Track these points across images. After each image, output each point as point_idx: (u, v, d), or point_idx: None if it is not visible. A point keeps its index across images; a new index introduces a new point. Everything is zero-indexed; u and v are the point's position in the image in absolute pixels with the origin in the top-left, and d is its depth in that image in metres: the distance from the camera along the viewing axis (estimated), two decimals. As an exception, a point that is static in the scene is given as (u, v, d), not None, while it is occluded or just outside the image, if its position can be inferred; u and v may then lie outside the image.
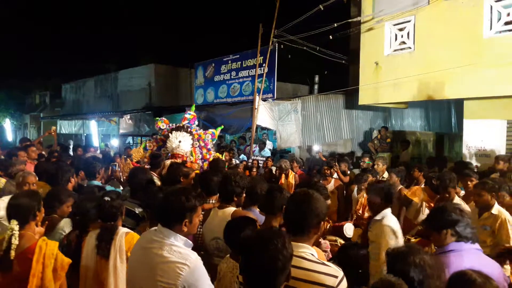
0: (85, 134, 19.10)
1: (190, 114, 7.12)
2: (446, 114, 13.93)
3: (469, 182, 4.91)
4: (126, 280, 2.41)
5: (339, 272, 1.83)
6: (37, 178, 4.34)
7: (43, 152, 8.76)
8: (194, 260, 2.13)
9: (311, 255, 1.88)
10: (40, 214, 2.90)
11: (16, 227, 2.66)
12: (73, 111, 23.50)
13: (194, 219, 2.25)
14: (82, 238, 3.07)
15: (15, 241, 2.62)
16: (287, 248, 1.61)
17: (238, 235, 2.53)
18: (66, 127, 19.91)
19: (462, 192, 5.26)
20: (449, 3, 8.03)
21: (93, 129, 18.00)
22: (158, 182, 5.22)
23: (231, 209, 3.31)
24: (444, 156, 10.08)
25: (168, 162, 5.62)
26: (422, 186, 5.81)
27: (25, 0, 41.47)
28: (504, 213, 3.85)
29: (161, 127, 6.89)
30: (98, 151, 11.83)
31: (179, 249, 2.15)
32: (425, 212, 5.14)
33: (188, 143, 6.51)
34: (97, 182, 4.92)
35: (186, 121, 6.94)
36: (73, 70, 26.34)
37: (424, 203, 5.27)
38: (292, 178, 7.25)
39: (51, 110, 26.39)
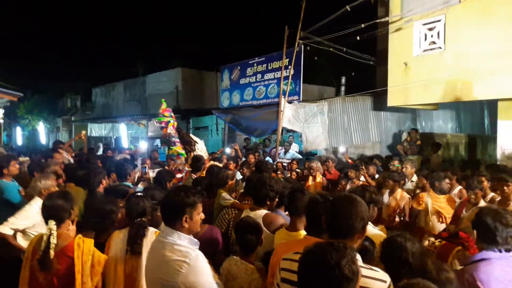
0: (114, 137, 19.54)
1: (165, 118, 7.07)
2: (479, 115, 13.47)
3: (505, 187, 4.71)
4: (146, 281, 2.46)
5: (387, 277, 1.79)
6: (55, 181, 4.43)
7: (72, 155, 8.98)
8: (194, 257, 2.15)
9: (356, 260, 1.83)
10: (74, 212, 3.01)
11: (54, 227, 2.74)
12: (103, 114, 24.07)
13: (194, 215, 2.28)
14: (99, 241, 3.11)
15: (53, 241, 2.69)
16: (355, 272, 1.49)
17: (246, 236, 2.68)
18: (96, 130, 20.42)
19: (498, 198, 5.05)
20: (481, 0, 7.77)
21: (123, 132, 18.39)
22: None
23: (262, 211, 3.33)
24: (477, 159, 9.75)
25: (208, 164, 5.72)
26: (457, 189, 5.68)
27: (58, 8, 42.94)
28: None
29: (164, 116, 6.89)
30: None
31: (180, 247, 2.18)
32: (433, 219, 4.98)
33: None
34: (128, 184, 5.01)
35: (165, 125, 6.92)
36: (103, 75, 27.03)
37: (430, 210, 5.09)
38: (320, 180, 7.17)
39: (82, 114, 27.14)
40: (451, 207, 5.00)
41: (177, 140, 6.74)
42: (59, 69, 34.44)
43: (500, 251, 2.35)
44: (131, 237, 2.99)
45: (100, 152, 11.79)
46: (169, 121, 6.86)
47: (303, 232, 2.82)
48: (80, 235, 2.87)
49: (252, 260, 2.75)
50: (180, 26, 37.88)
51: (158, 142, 17.63)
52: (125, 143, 17.80)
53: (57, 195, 3.03)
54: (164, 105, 7.14)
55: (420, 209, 5.27)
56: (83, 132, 10.37)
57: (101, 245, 2.99)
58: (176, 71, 19.16)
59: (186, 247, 2.20)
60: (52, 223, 2.75)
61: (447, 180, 5.07)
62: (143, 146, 14.53)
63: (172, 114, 7.14)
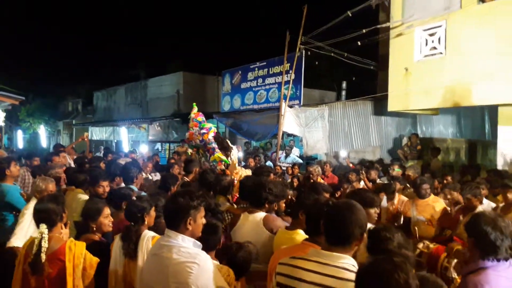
0: (115, 141, 19.56)
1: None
2: (479, 121, 13.47)
3: (509, 194, 4.70)
4: (143, 285, 2.44)
5: None
6: (54, 184, 4.44)
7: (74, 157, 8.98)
8: (204, 258, 2.17)
9: (352, 266, 1.84)
10: (65, 215, 3.02)
11: (46, 231, 2.76)
12: (104, 118, 24.12)
13: (197, 218, 2.30)
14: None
15: (45, 244, 2.70)
16: (411, 285, 1.45)
17: (210, 237, 2.75)
18: (97, 133, 20.46)
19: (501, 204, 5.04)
20: (482, 6, 7.82)
21: (123, 135, 18.42)
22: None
23: (261, 214, 3.35)
24: (477, 164, 9.75)
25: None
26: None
27: (60, 11, 43.12)
28: None
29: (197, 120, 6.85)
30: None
31: (187, 249, 2.19)
32: (419, 224, 4.98)
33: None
34: (134, 187, 4.95)
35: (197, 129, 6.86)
36: (104, 78, 27.13)
37: (414, 216, 5.10)
38: (321, 184, 7.17)
39: (83, 117, 27.20)
40: (437, 208, 4.98)
41: (216, 146, 6.63)
42: (61, 72, 34.58)
43: (498, 260, 2.30)
44: (123, 241, 3.01)
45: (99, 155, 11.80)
46: (211, 127, 6.75)
47: (300, 232, 2.84)
48: (71, 239, 2.87)
49: (213, 256, 2.79)
50: (181, 30, 38.06)
51: (158, 145, 17.67)
52: (126, 147, 17.83)
53: (48, 199, 3.03)
54: (195, 109, 7.07)
55: (407, 216, 5.26)
56: (86, 134, 10.40)
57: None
58: (178, 75, 19.23)
59: (193, 249, 2.22)
60: (43, 227, 2.76)
61: (424, 186, 5.07)
62: (143, 149, 14.54)
63: (205, 119, 7.02)
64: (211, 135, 6.71)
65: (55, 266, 2.72)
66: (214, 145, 6.64)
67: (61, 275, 2.70)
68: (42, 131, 24.20)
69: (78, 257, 2.75)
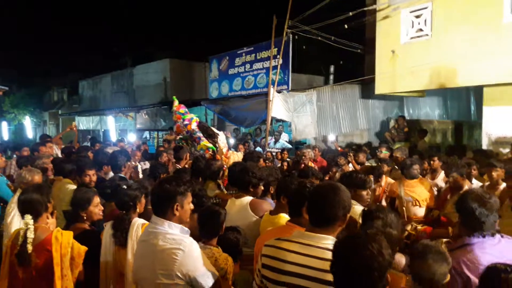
0: (102, 130, 19.37)
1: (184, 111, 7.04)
2: (465, 102, 13.65)
3: (493, 173, 4.79)
4: (132, 273, 2.45)
5: None
6: (41, 176, 4.40)
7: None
8: (189, 244, 2.17)
9: None
10: (51, 205, 2.99)
11: (31, 221, 2.74)
12: (91, 107, 23.83)
13: (184, 204, 2.29)
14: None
15: (30, 235, 2.69)
16: (384, 255, 1.48)
17: (208, 222, 2.78)
18: (84, 123, 20.22)
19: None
20: (467, -13, 7.84)
21: (111, 124, 18.23)
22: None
23: (248, 198, 3.38)
24: (463, 145, 9.91)
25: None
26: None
27: (41, -1, 42.09)
28: None
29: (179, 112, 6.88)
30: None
31: (173, 236, 2.19)
32: (407, 205, 5.05)
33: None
34: (122, 176, 4.95)
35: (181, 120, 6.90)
36: (90, 67, 26.68)
37: (403, 196, 5.16)
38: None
39: (69, 107, 26.83)
40: (425, 189, 5.03)
41: (201, 135, 6.70)
42: (45, 62, 33.86)
43: (484, 236, 2.33)
44: (114, 230, 3.01)
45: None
46: (192, 118, 6.82)
47: (283, 215, 2.87)
48: (58, 228, 2.86)
49: (214, 244, 2.81)
50: (167, 16, 37.44)
51: (146, 134, 17.54)
52: (113, 136, 17.68)
53: (32, 189, 3.00)
54: (176, 102, 7.09)
55: (394, 196, 5.33)
56: (74, 123, 10.26)
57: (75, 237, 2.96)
58: (164, 62, 19.00)
59: (178, 235, 2.22)
60: (28, 218, 2.74)
61: (414, 166, 5.10)
62: (131, 138, 14.43)
63: (187, 110, 7.09)
64: (194, 125, 6.78)
65: (42, 257, 2.71)
66: (199, 134, 6.71)
67: (48, 265, 2.69)
68: (28, 122, 23.83)
69: (65, 246, 2.74)
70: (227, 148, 7.06)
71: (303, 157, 7.21)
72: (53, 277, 2.67)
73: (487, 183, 5.03)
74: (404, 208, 5.01)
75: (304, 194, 2.29)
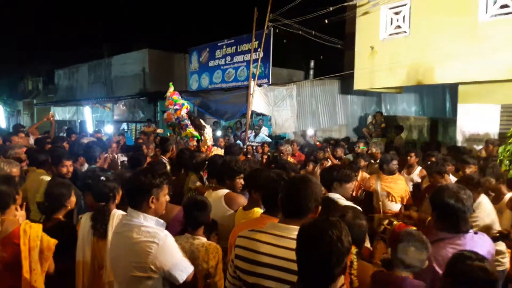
0: (79, 121, 18.99)
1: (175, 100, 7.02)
2: (441, 99, 13.96)
3: (467, 169, 4.89)
4: (110, 264, 2.43)
5: None
6: (19, 168, 4.29)
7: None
8: (163, 237, 2.17)
9: None
10: (19, 197, 2.92)
11: None
12: (67, 97, 23.29)
13: (160, 196, 2.28)
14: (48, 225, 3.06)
15: None
16: (343, 241, 1.54)
17: (193, 212, 2.76)
18: (60, 113, 19.77)
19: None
20: (445, -14, 7.98)
21: (87, 115, 17.90)
22: (168, 167, 5.34)
23: (224, 191, 3.37)
24: (438, 141, 10.14)
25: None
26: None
27: (15, -16, 40.67)
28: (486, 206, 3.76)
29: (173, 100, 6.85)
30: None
31: (147, 228, 2.18)
32: (383, 199, 5.13)
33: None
34: (102, 168, 4.87)
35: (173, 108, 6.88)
36: (66, 56, 26.02)
37: (380, 191, 5.25)
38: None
39: (44, 97, 26.16)
40: (401, 185, 5.12)
41: (189, 123, 6.68)
42: (19, 50, 32.86)
43: (457, 232, 2.35)
44: (93, 221, 2.97)
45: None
46: (183, 104, 6.78)
47: (257, 209, 2.88)
48: (27, 221, 2.78)
49: (201, 233, 2.81)
50: (147, 5, 36.82)
51: (124, 125, 17.29)
52: (90, 127, 17.35)
53: (0, 181, 2.90)
54: (172, 88, 7.03)
55: (371, 191, 5.41)
56: (51, 113, 10.01)
57: (50, 229, 2.91)
58: (143, 52, 18.68)
59: (153, 228, 2.20)
60: None
61: (394, 162, 5.18)
62: (108, 130, 14.19)
63: (180, 97, 7.05)
64: (183, 111, 6.78)
65: (9, 250, 2.63)
66: (187, 121, 6.72)
67: (16, 259, 2.62)
68: (0, 111, 23.15)
69: (34, 239, 2.67)
70: (212, 143, 7.07)
71: (281, 153, 7.25)
72: (21, 271, 2.60)
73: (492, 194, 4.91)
74: (380, 203, 5.09)
75: (276, 186, 2.30)
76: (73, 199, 3.27)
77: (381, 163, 5.32)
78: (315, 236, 1.55)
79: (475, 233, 2.44)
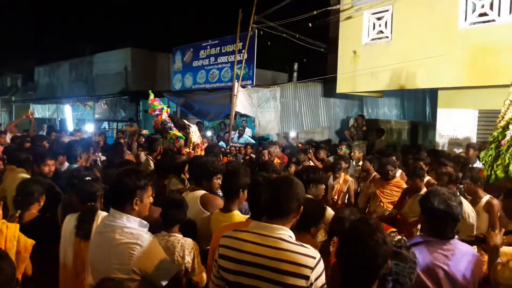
0: (59, 119, 18.65)
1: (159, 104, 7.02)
2: (421, 104, 14.25)
3: (444, 170, 4.99)
4: (89, 266, 2.41)
5: (317, 254, 1.88)
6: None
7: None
8: (147, 239, 2.16)
9: (289, 237, 1.92)
10: None
11: None
12: (47, 95, 22.82)
13: (144, 198, 2.27)
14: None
15: None
16: (387, 243, 1.64)
17: (169, 210, 2.79)
18: (39, 111, 19.38)
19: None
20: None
21: (68, 113, 17.60)
22: (152, 167, 5.32)
23: (200, 192, 3.34)
24: (418, 144, 10.33)
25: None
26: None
27: (-6, -22, 39.66)
28: (465, 207, 3.76)
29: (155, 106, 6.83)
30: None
31: (130, 230, 2.16)
32: (373, 203, 5.23)
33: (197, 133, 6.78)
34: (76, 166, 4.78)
35: (157, 112, 6.88)
36: (47, 53, 25.53)
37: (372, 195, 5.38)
38: (277, 165, 7.29)
39: (23, 94, 25.59)
40: (395, 193, 5.13)
41: (172, 125, 6.68)
42: (-3, 45, 32.05)
43: (440, 236, 2.35)
44: (79, 221, 2.92)
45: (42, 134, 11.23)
46: (163, 108, 6.77)
47: (236, 213, 2.88)
48: (3, 220, 2.73)
49: (176, 231, 2.82)
50: (130, 3, 36.37)
51: (105, 124, 17.06)
52: (70, 125, 17.06)
53: None
54: (152, 96, 7.02)
55: (368, 194, 5.47)
56: (31, 110, 9.84)
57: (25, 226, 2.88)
58: (126, 51, 18.47)
59: (137, 229, 2.19)
60: None
61: (389, 167, 5.20)
62: (89, 128, 13.99)
63: (161, 102, 7.05)
64: (164, 115, 6.77)
65: None
66: (170, 124, 6.72)
67: None
68: (-23, 108, 22.60)
69: (11, 240, 2.62)
70: (201, 140, 7.09)
71: (270, 155, 7.26)
72: None
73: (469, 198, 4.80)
74: (368, 204, 5.18)
75: (258, 191, 2.31)
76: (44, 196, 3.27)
77: (382, 167, 5.28)
78: (360, 241, 1.65)
79: (461, 240, 2.46)
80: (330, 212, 3.26)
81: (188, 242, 2.69)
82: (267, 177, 2.61)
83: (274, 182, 2.10)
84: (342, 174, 5.83)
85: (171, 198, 3.00)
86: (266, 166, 4.46)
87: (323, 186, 3.51)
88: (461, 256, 2.32)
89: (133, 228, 2.18)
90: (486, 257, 2.66)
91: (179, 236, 2.75)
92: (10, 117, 24.57)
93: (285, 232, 1.93)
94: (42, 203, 3.25)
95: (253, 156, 8.25)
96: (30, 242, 2.72)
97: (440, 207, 2.34)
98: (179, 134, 6.64)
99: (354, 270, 1.68)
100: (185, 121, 7.13)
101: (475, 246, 3.43)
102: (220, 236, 2.27)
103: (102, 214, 2.95)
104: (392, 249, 1.70)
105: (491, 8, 7.38)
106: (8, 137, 7.55)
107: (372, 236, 1.65)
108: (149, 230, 2.28)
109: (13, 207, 3.75)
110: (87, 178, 3.14)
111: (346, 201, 5.68)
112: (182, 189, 4.13)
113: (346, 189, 5.66)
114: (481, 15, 7.54)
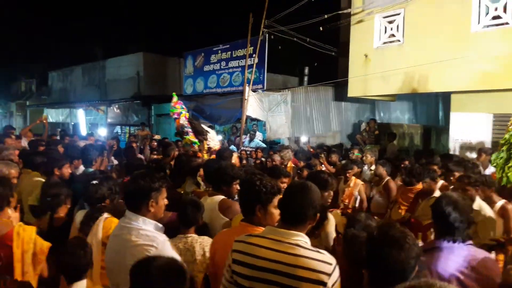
0: (72, 123, 18.88)
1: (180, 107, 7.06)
2: (434, 107, 14.09)
3: (452, 177, 4.92)
4: (106, 268, 2.43)
5: (333, 260, 1.87)
6: (18, 170, 4.26)
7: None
8: (162, 241, 2.17)
9: (305, 243, 1.91)
10: (14, 199, 2.90)
11: None
12: (60, 99, 23.15)
13: (159, 200, 2.29)
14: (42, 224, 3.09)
15: None
16: (417, 245, 1.69)
17: (185, 211, 2.84)
18: (53, 115, 19.65)
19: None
20: (438, -4, 8.09)
21: (81, 118, 17.80)
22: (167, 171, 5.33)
23: (219, 197, 3.33)
24: (431, 149, 10.23)
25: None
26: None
27: (10, -15, 40.43)
28: (486, 210, 3.83)
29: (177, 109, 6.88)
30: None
31: (146, 232, 2.18)
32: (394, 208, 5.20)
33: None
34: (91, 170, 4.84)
35: (176, 115, 6.91)
36: (60, 58, 25.89)
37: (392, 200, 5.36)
38: (290, 169, 7.26)
39: (37, 98, 25.97)
40: (410, 197, 5.11)
41: (190, 130, 6.72)
42: (13, 50, 32.60)
43: (454, 241, 2.32)
44: (86, 217, 2.98)
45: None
46: (181, 112, 6.81)
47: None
48: (21, 223, 2.77)
49: (192, 232, 2.85)
50: (142, 8, 36.75)
51: (118, 129, 17.22)
52: (83, 130, 17.26)
53: None
54: (175, 98, 7.07)
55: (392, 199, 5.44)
56: (44, 115, 9.97)
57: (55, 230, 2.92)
58: (138, 55, 18.67)
59: (152, 232, 2.21)
60: None
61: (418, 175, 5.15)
62: (102, 133, 14.13)
63: (184, 106, 7.10)
64: (182, 120, 6.79)
65: (2, 252, 2.61)
66: (188, 129, 6.75)
67: (8, 262, 2.59)
68: (-7, 113, 23.00)
69: (28, 242, 2.65)
70: (219, 146, 7.11)
71: (284, 159, 7.20)
72: (13, 273, 2.58)
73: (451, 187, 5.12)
74: (389, 210, 5.16)
75: (253, 193, 2.28)
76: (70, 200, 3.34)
77: (409, 173, 5.19)
78: (395, 245, 1.67)
79: (472, 244, 2.41)
80: (332, 219, 3.24)
81: (206, 239, 2.73)
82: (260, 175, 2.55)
83: (290, 188, 2.09)
84: (353, 178, 5.79)
85: (189, 198, 3.06)
86: (274, 171, 4.43)
87: (331, 193, 3.46)
88: (475, 263, 2.27)
89: (149, 231, 2.20)
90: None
91: (195, 235, 2.79)
92: (25, 121, 24.94)
93: (302, 238, 1.92)
94: (69, 206, 3.29)
95: (264, 160, 8.25)
96: (47, 244, 2.75)
97: (449, 209, 2.34)
98: (195, 140, 6.65)
99: (387, 276, 1.68)
100: (204, 126, 7.12)
101: (493, 251, 3.39)
102: (217, 241, 2.33)
103: (103, 215, 2.97)
104: (421, 251, 1.72)
105: (505, 11, 7.28)
106: (23, 141, 7.65)
107: (405, 239, 1.67)
108: None
109: (29, 211, 3.82)
110: (94, 182, 3.19)
111: (357, 205, 5.63)
112: (198, 192, 4.14)
113: (357, 193, 5.62)
114: (494, 18, 7.45)
